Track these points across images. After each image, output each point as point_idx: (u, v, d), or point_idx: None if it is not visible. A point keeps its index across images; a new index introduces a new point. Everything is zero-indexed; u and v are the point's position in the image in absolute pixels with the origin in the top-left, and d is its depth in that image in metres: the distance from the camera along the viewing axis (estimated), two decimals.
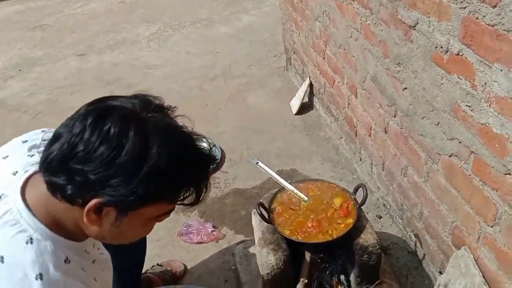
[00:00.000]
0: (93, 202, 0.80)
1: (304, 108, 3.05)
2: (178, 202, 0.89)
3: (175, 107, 0.94)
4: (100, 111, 0.82)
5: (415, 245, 1.93)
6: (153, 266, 2.01)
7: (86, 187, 0.79)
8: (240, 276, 1.91)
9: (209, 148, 1.01)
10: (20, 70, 3.96)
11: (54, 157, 0.80)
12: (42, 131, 1.16)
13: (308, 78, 2.95)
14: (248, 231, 2.09)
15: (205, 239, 2.18)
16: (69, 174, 0.79)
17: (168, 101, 3.16)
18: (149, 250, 2.14)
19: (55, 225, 0.88)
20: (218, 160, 2.64)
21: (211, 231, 2.20)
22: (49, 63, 4.03)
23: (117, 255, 1.65)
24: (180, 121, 0.93)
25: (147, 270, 1.97)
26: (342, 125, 2.52)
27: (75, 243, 0.92)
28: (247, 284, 1.85)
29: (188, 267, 2.05)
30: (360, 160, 2.36)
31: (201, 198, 0.91)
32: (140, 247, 1.68)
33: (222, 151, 2.72)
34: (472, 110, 1.31)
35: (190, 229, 2.22)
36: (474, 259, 1.45)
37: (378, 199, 2.25)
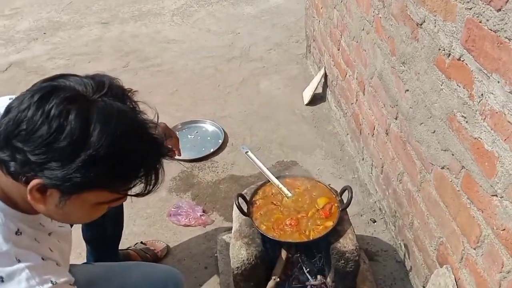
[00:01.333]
0: (34, 182, 0.77)
1: (317, 99, 2.95)
2: (123, 192, 0.85)
3: (135, 91, 0.88)
4: (48, 89, 0.78)
5: (404, 255, 1.84)
6: (136, 243, 2.00)
7: (27, 167, 0.76)
8: (218, 265, 1.87)
9: (163, 138, 0.91)
10: (44, 33, 4.01)
11: (1, 132, 0.77)
12: (10, 99, 1.13)
13: (323, 68, 2.84)
14: None
15: (193, 222, 2.15)
16: (12, 151, 0.76)
17: (180, 79, 3.14)
18: (136, 227, 2.15)
19: (6, 198, 0.86)
20: (221, 142, 2.60)
21: (200, 215, 2.17)
22: (72, 28, 4.06)
23: (89, 228, 1.65)
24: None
25: (129, 247, 1.96)
26: (349, 121, 2.42)
27: (28, 216, 0.89)
28: (223, 273, 1.82)
29: (172, 249, 2.04)
30: (363, 159, 2.26)
31: (148, 190, 0.86)
32: (114, 221, 1.67)
33: (225, 134, 2.67)
34: (467, 122, 1.21)
35: (179, 211, 2.20)
36: (455, 280, 1.36)
37: (375, 202, 2.16)
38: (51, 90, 0.77)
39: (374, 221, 2.09)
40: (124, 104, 0.82)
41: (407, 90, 1.58)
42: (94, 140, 0.75)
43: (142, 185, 0.85)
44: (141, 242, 2.01)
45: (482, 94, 1.12)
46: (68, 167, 0.75)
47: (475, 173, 1.19)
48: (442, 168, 1.38)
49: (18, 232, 0.86)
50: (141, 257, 1.91)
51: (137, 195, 0.87)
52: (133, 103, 0.85)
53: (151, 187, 0.86)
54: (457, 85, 1.24)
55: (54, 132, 0.74)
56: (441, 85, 1.33)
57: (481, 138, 1.14)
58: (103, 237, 1.66)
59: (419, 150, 1.54)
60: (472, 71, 1.15)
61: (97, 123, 0.75)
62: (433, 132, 1.42)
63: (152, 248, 1.98)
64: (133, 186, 0.85)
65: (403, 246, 1.84)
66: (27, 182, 0.78)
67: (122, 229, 1.75)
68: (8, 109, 0.79)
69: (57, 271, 0.89)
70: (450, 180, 1.34)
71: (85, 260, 1.74)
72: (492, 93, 1.07)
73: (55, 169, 0.75)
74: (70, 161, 0.75)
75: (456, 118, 1.26)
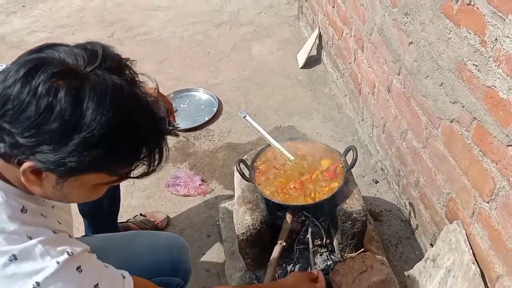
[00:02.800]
0: (27, 165, 0.70)
1: (311, 61, 2.86)
2: (124, 175, 0.78)
3: (133, 60, 0.79)
4: (34, 63, 0.69)
5: (409, 214, 1.81)
6: (136, 215, 1.95)
7: (17, 149, 0.69)
8: (222, 233, 1.84)
9: (165, 112, 0.81)
10: (23, 6, 3.83)
11: None
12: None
13: (317, 28, 2.75)
14: None
15: (192, 192, 2.10)
16: (0, 132, 0.69)
17: (169, 47, 3.01)
18: (135, 199, 2.10)
19: (4, 178, 0.79)
20: (215, 110, 2.53)
21: (199, 184, 2.12)
22: (52, 0, 3.88)
23: (84, 202, 1.59)
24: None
25: (128, 219, 1.91)
26: (347, 81, 2.35)
27: (28, 194, 0.83)
28: (227, 241, 1.78)
29: (172, 219, 1.99)
30: (362, 120, 2.21)
31: (151, 170, 0.79)
32: (110, 196, 1.61)
33: (219, 102, 2.59)
34: (478, 70, 1.15)
35: (177, 181, 2.14)
36: (466, 235, 1.33)
37: (376, 162, 2.12)
38: (37, 64, 0.69)
39: (377, 182, 2.06)
40: (120, 77, 0.73)
41: (411, 43, 1.51)
42: (87, 121, 0.67)
43: (145, 165, 0.78)
44: (141, 214, 1.96)
45: (496, 39, 1.05)
46: (61, 150, 0.68)
47: (488, 123, 1.14)
48: (451, 121, 1.33)
49: (23, 210, 0.79)
50: (141, 228, 1.87)
51: (139, 176, 0.80)
52: (131, 74, 0.76)
53: (155, 167, 0.79)
54: (467, 32, 1.17)
55: (42, 113, 0.66)
56: (449, 34, 1.26)
57: (495, 86, 1.09)
58: (100, 210, 1.61)
59: (425, 105, 1.49)
60: (484, 15, 1.09)
61: (90, 101, 0.68)
62: (441, 85, 1.36)
63: (152, 219, 1.94)
64: (134, 168, 0.78)
65: (407, 205, 1.81)
66: (19, 164, 0.71)
67: (119, 202, 1.70)
68: None
69: (71, 242, 0.83)
70: (460, 133, 1.29)
71: (83, 234, 1.70)
72: (508, 37, 1.01)
73: (47, 153, 0.68)
74: (62, 144, 0.68)
75: (467, 67, 1.20)
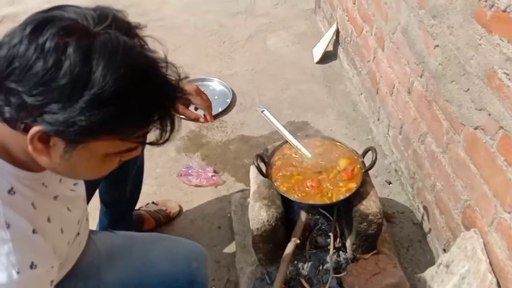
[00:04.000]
0: (35, 129, 0.67)
1: (327, 57, 2.84)
2: (136, 140, 0.75)
3: (144, 26, 0.77)
4: (41, 20, 0.67)
5: (422, 217, 1.81)
6: (148, 204, 1.95)
7: (24, 111, 0.67)
8: (233, 225, 1.84)
9: (178, 80, 0.79)
10: None
11: None
12: None
13: (335, 24, 2.72)
14: (249, 180, 1.98)
15: (204, 182, 2.10)
16: (6, 94, 0.67)
17: (182, 35, 2.97)
18: (146, 187, 2.09)
19: (5, 152, 0.76)
20: (229, 101, 2.52)
21: (211, 175, 2.12)
22: None
23: (107, 188, 1.59)
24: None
25: (140, 207, 1.91)
26: (364, 80, 2.33)
27: (28, 174, 0.80)
28: (238, 234, 1.78)
29: (183, 209, 1.99)
30: (378, 120, 2.19)
31: (164, 138, 0.76)
32: (132, 182, 1.61)
33: (233, 94, 2.58)
34: (509, 79, 1.13)
35: (190, 171, 2.14)
36: (484, 244, 1.32)
37: (390, 163, 2.11)
38: (45, 20, 0.67)
39: (390, 183, 2.05)
40: (131, 39, 0.71)
41: (437, 46, 1.49)
42: (97, 77, 0.65)
43: (157, 132, 0.76)
44: (153, 202, 1.96)
45: None
46: (71, 109, 0.65)
47: None
48: (475, 128, 1.32)
49: (11, 191, 0.76)
50: (154, 218, 1.87)
51: (151, 143, 0.77)
52: (141, 40, 0.74)
53: (167, 134, 0.76)
54: (500, 39, 1.15)
55: (51, 68, 0.64)
56: (480, 40, 1.24)
57: None
58: (123, 197, 1.61)
59: (448, 110, 1.47)
60: None
61: (101, 58, 0.65)
62: (466, 91, 1.34)
63: (164, 208, 1.94)
64: (145, 133, 0.76)
65: (421, 208, 1.81)
66: (26, 130, 0.68)
67: (140, 192, 1.70)
68: None
69: (43, 251, 0.80)
70: (484, 141, 1.28)
71: (96, 220, 1.70)
72: None
73: (56, 112, 0.65)
74: (72, 101, 0.65)
75: (497, 75, 1.18)
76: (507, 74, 1.14)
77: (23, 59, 0.64)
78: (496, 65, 1.18)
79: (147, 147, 0.81)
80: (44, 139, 0.69)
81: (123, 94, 0.67)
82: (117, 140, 0.73)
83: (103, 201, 1.62)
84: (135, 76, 0.68)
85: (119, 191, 1.59)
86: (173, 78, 0.75)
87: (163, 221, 1.90)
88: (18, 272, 0.73)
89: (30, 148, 0.70)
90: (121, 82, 0.66)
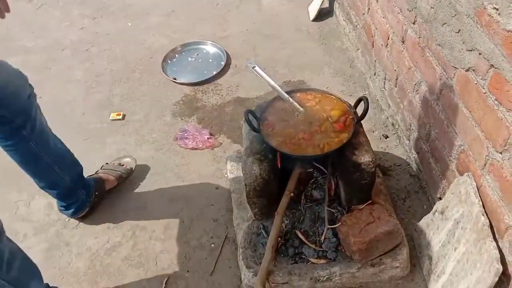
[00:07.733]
0: None
1: (323, 14, 2.77)
2: None
3: None
4: None
5: (418, 168, 1.80)
6: (102, 165, 1.97)
7: None
8: (230, 184, 1.84)
9: None
10: None
11: None
12: None
13: None
14: None
15: (200, 145, 2.09)
16: None
17: None
18: (143, 152, 2.10)
19: None
20: (223, 64, 2.49)
21: (207, 138, 2.11)
22: None
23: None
24: None
25: (97, 171, 1.93)
26: (360, 34, 2.28)
27: None
28: (235, 192, 1.79)
29: (181, 173, 2.00)
30: (374, 74, 2.15)
31: None
32: (66, 161, 1.68)
33: (227, 56, 2.54)
34: (499, 14, 1.09)
35: (185, 134, 2.14)
36: (477, 187, 1.31)
37: (387, 117, 2.08)
38: None
39: (387, 137, 2.03)
40: None
41: None
42: None
43: None
44: (106, 163, 1.98)
45: None
46: None
47: (506, 70, 1.10)
48: (467, 70, 1.29)
49: None
50: (113, 175, 1.90)
51: None
52: None
53: None
54: None
55: None
56: None
57: None
58: (60, 178, 1.66)
59: (440, 54, 1.44)
60: None
61: None
62: (458, 32, 1.30)
63: (119, 163, 1.97)
64: None
65: (417, 159, 1.79)
66: None
67: (78, 167, 1.75)
68: None
69: None
70: (476, 82, 1.25)
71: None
72: None
73: None
74: None
75: (486, 11, 1.14)
76: (497, 9, 1.10)
77: None
78: (485, 1, 1.14)
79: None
80: None
81: None
82: None
83: (43, 188, 1.70)
84: None
85: (47, 174, 1.64)
86: None
87: (124, 175, 1.93)
88: None
89: None
90: None
